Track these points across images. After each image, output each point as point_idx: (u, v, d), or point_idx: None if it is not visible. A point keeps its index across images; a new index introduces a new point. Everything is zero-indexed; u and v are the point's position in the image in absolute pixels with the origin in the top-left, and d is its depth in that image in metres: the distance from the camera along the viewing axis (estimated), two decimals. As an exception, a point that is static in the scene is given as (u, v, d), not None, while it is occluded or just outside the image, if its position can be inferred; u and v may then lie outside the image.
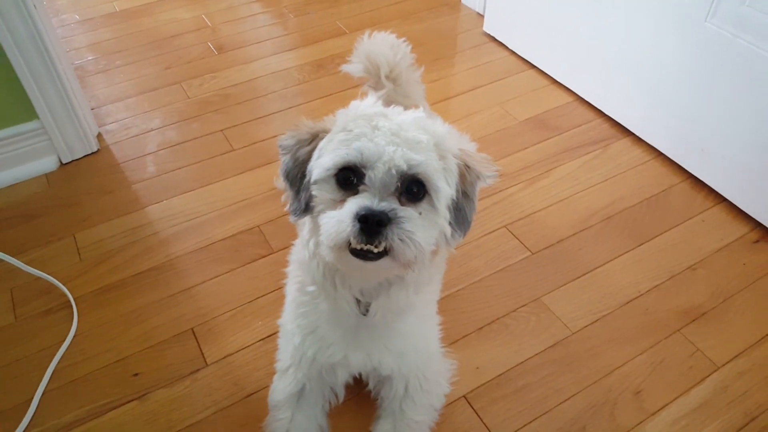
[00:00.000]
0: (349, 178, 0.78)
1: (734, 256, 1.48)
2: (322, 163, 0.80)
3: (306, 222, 0.88)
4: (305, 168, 0.83)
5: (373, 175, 0.76)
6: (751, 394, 1.21)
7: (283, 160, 0.87)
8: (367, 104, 0.84)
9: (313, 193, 0.82)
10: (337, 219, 0.75)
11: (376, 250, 0.75)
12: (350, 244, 0.75)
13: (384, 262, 0.76)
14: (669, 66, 1.62)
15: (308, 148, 0.84)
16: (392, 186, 0.77)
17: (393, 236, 0.74)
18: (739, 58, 1.43)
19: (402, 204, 0.77)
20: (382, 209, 0.74)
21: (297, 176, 0.85)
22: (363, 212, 0.73)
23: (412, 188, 0.78)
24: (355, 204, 0.75)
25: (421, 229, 0.76)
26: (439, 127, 0.85)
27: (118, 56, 2.20)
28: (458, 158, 0.83)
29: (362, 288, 0.90)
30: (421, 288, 0.92)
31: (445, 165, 0.81)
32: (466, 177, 0.84)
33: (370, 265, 0.76)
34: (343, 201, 0.78)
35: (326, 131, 0.83)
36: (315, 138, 0.84)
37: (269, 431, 1.09)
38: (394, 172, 0.76)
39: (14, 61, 1.52)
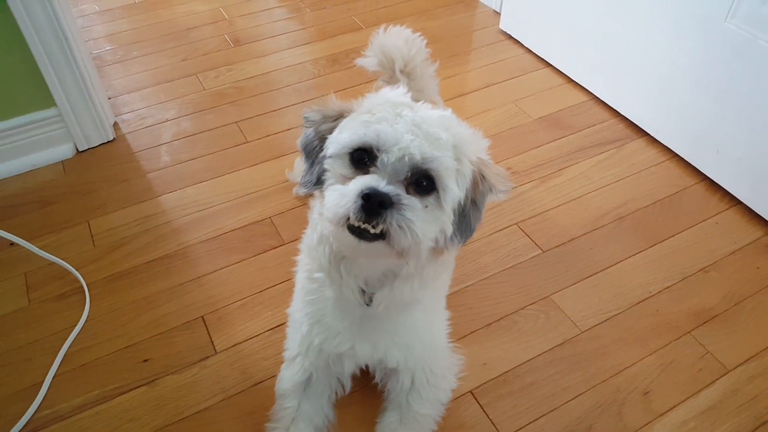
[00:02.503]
0: (363, 158, 0.79)
1: (747, 259, 1.46)
2: (340, 139, 0.81)
3: (317, 204, 0.88)
4: (324, 142, 0.84)
5: (386, 159, 0.76)
6: (762, 398, 1.19)
7: (305, 132, 0.88)
8: (397, 93, 0.85)
9: (326, 166, 0.82)
10: (341, 193, 0.76)
11: (372, 231, 0.74)
12: (349, 219, 0.75)
13: (378, 245, 0.76)
14: (686, 66, 1.60)
15: (332, 125, 0.85)
16: (402, 174, 0.77)
17: (392, 220, 0.74)
18: (759, 59, 1.41)
19: (409, 194, 0.77)
20: (386, 191, 0.74)
21: (315, 149, 0.86)
22: (367, 191, 0.73)
23: (422, 181, 0.78)
24: (361, 182, 0.76)
25: (421, 220, 0.76)
26: (464, 130, 0.85)
27: (136, 47, 2.22)
28: (475, 165, 0.83)
29: (366, 278, 0.90)
30: (427, 284, 0.92)
31: (460, 168, 0.81)
32: (478, 186, 0.84)
33: (363, 245, 0.76)
34: (352, 178, 0.78)
35: (351, 111, 0.84)
36: (340, 116, 0.85)
37: (276, 419, 1.10)
38: (407, 160, 0.76)
39: (34, 49, 1.54)
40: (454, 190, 0.79)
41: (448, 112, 0.86)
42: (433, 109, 0.84)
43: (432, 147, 0.77)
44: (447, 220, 0.81)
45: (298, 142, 0.88)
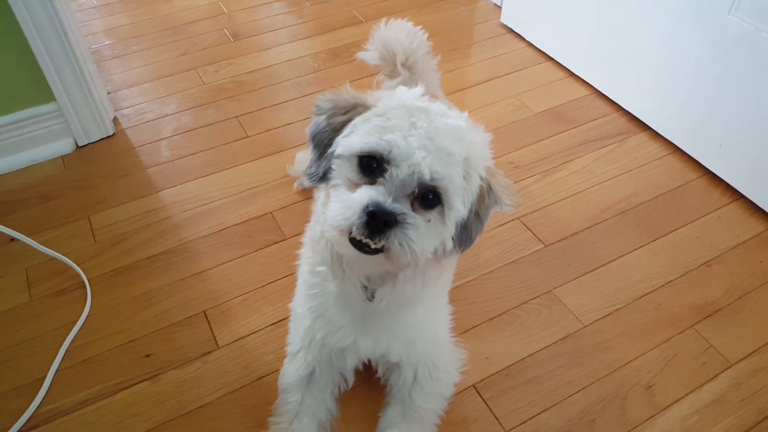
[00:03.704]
0: (371, 165, 0.78)
1: (750, 253, 1.46)
2: (350, 142, 0.79)
3: (321, 196, 0.88)
4: (334, 136, 0.83)
5: (395, 173, 0.75)
6: (765, 392, 1.19)
7: (315, 120, 0.86)
8: (413, 95, 0.82)
9: (333, 166, 0.81)
10: (347, 204, 0.75)
11: (373, 246, 0.75)
12: (351, 232, 0.75)
13: (378, 258, 0.77)
14: (689, 60, 1.59)
15: (343, 118, 0.83)
16: (409, 188, 0.76)
17: (394, 239, 0.74)
18: (763, 52, 1.40)
19: (413, 207, 0.77)
20: (392, 210, 0.73)
21: (323, 141, 0.84)
22: (372, 207, 0.73)
23: (428, 195, 0.77)
24: (367, 195, 0.75)
25: (423, 238, 0.76)
26: (477, 138, 0.83)
27: (135, 41, 2.21)
28: (483, 179, 0.82)
29: (368, 275, 0.90)
30: (429, 283, 0.92)
31: (467, 185, 0.80)
32: (484, 199, 0.83)
33: (363, 257, 0.77)
34: (358, 185, 0.77)
35: (365, 107, 0.82)
36: (353, 109, 0.83)
37: (279, 414, 1.09)
38: (416, 177, 0.75)
39: (33, 44, 1.53)
40: (459, 209, 0.79)
41: (464, 117, 0.83)
42: (449, 113, 0.82)
43: (442, 165, 0.75)
44: (448, 235, 0.81)
45: (308, 130, 0.87)
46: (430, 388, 1.10)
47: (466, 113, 0.85)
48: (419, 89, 0.84)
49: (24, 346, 1.26)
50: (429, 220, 0.78)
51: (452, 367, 1.15)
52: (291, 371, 1.09)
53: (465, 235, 0.83)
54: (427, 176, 0.75)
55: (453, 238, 0.82)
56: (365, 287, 0.91)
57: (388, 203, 0.74)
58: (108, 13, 2.37)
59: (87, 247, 1.47)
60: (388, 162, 0.76)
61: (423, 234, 0.76)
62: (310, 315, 1.02)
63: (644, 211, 1.56)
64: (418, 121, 0.77)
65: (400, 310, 0.98)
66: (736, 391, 1.20)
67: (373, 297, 0.92)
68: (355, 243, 0.76)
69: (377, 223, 0.73)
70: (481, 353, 1.25)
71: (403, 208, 0.74)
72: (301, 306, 1.05)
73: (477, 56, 2.12)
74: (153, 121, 1.85)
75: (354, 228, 0.74)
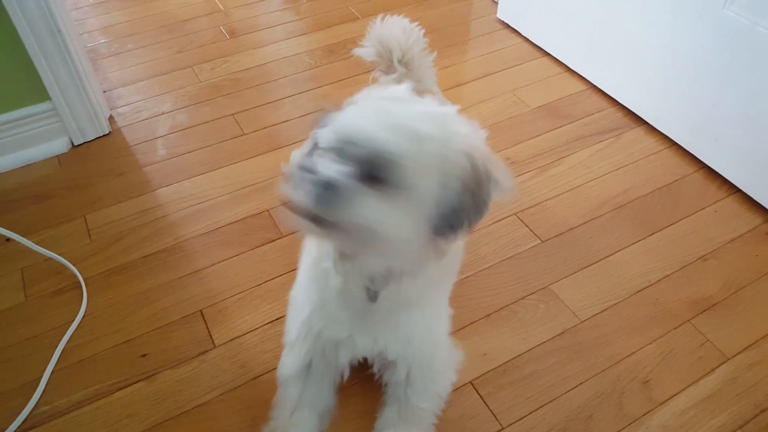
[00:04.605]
0: (340, 149, 0.76)
1: (747, 247, 1.46)
2: (322, 131, 0.79)
3: None
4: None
5: (351, 150, 0.72)
6: (761, 386, 1.19)
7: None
8: (398, 90, 0.80)
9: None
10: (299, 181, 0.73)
11: (322, 216, 0.71)
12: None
13: (337, 233, 0.73)
14: (684, 54, 1.59)
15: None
16: (367, 165, 0.71)
17: (343, 210, 0.70)
18: (758, 46, 1.40)
19: (376, 186, 0.72)
20: (335, 178, 0.70)
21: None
22: (317, 178, 0.71)
23: (391, 173, 0.71)
24: (321, 169, 0.72)
25: (379, 213, 0.72)
26: (462, 127, 0.78)
27: (131, 40, 2.20)
28: (471, 161, 0.76)
29: (371, 275, 0.89)
30: (431, 285, 0.92)
31: (443, 165, 0.74)
32: (474, 178, 0.77)
33: (321, 232, 0.74)
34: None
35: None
36: None
37: (279, 407, 1.09)
38: (372, 152, 0.71)
39: (27, 43, 1.52)
40: (424, 187, 0.74)
41: (452, 109, 0.80)
42: (434, 104, 0.80)
43: (396, 136, 0.71)
44: (420, 215, 0.75)
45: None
46: (425, 387, 1.09)
47: (455, 107, 0.84)
48: (405, 85, 0.82)
49: (19, 347, 1.26)
50: (388, 196, 0.72)
51: (449, 367, 1.14)
52: (289, 362, 1.08)
53: (454, 218, 0.78)
54: (383, 150, 0.70)
55: (432, 221, 0.76)
56: (368, 288, 0.91)
57: (333, 172, 0.71)
58: (104, 11, 2.36)
59: (83, 246, 1.46)
60: (349, 142, 0.73)
61: (378, 208, 0.72)
62: (309, 306, 1.02)
63: (640, 205, 1.56)
64: (391, 105, 0.75)
65: (401, 311, 0.98)
66: (733, 385, 1.20)
67: (376, 298, 0.91)
68: (307, 215, 0.72)
69: (321, 193, 0.70)
70: (478, 349, 1.25)
71: (350, 179, 0.71)
72: (301, 296, 1.04)
73: (473, 52, 2.12)
74: (149, 120, 1.85)
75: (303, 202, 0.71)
